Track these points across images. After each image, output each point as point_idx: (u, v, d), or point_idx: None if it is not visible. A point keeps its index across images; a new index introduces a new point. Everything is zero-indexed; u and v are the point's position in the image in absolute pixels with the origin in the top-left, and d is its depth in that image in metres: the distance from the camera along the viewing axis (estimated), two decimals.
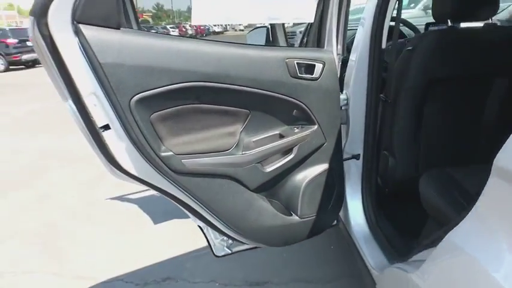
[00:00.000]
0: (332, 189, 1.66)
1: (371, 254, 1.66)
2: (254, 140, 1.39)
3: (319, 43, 1.46)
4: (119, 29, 1.06)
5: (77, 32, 1.00)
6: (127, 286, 2.21)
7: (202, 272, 2.27)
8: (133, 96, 1.09)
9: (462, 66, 1.70)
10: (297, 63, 1.35)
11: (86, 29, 1.00)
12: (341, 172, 1.66)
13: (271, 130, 1.43)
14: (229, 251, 1.69)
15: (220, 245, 1.68)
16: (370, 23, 1.66)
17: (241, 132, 1.36)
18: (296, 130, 1.45)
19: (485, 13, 1.64)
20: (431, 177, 1.54)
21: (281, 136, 1.43)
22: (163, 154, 1.19)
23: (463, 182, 1.43)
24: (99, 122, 1.11)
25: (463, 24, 1.68)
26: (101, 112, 1.10)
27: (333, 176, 1.60)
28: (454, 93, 1.76)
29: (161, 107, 1.16)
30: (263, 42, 2.17)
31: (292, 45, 4.33)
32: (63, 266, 2.43)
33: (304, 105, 1.40)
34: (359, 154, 1.80)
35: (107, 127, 1.12)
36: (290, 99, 1.36)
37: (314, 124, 1.46)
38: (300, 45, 3.88)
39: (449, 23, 1.66)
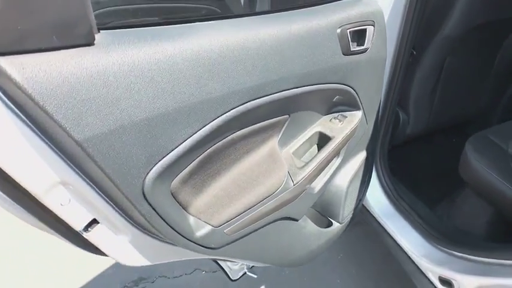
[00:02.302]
0: (367, 175, 1.37)
1: (406, 237, 1.46)
2: (300, 157, 1.01)
3: None
4: (92, 44, 0.51)
5: None
6: None
7: (181, 265, 1.91)
8: (147, 174, 0.61)
9: (501, 8, 1.40)
10: (350, 31, 0.91)
11: (13, 64, 0.45)
12: (374, 151, 1.36)
13: (309, 128, 1.02)
14: (246, 271, 1.35)
15: (237, 269, 1.32)
16: None
17: (287, 155, 0.94)
18: (338, 122, 1.06)
19: None
20: (479, 147, 1.33)
21: (323, 136, 1.03)
22: (198, 235, 0.75)
23: None
24: (79, 223, 0.64)
25: None
26: (81, 208, 0.63)
27: (370, 160, 1.29)
28: (480, 42, 1.49)
29: (184, 165, 0.69)
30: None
31: None
32: None
33: (351, 89, 1.01)
34: None
35: (92, 223, 0.67)
36: (338, 86, 0.95)
37: (359, 109, 1.08)
38: None
39: None
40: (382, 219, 1.53)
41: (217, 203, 0.77)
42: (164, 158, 0.60)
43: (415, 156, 1.96)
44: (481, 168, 1.30)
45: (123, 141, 0.54)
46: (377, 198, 1.55)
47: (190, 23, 0.65)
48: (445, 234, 1.36)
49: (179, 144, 0.62)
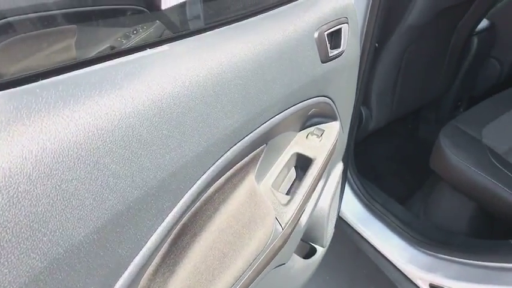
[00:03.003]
0: (343, 186, 1.24)
1: (386, 242, 1.36)
2: (279, 187, 0.84)
3: None
4: None
5: None
6: None
7: None
8: None
9: None
10: (327, 33, 0.77)
11: None
12: (348, 159, 1.24)
13: (285, 150, 0.88)
14: None
15: None
16: None
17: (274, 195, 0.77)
18: (316, 139, 0.92)
19: None
20: (453, 139, 1.28)
21: (302, 157, 0.89)
22: None
23: (489, 142, 1.27)
24: None
25: None
26: None
27: (346, 170, 1.17)
28: (436, 27, 1.41)
29: (153, 258, 0.51)
30: None
31: None
32: None
33: (329, 99, 0.87)
34: None
35: None
36: (317, 99, 0.82)
37: (335, 119, 0.95)
38: None
39: None
40: (358, 225, 1.42)
41: (198, 283, 0.58)
42: (129, 267, 0.40)
43: (375, 149, 1.90)
44: (459, 163, 1.23)
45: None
46: (349, 204, 1.44)
47: (127, 55, 0.44)
48: (427, 235, 1.28)
49: (146, 242, 0.42)
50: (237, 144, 0.54)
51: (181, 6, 0.64)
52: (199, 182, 0.47)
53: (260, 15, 0.68)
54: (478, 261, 1.12)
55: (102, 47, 0.54)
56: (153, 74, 0.42)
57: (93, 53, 0.51)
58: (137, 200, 0.39)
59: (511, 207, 1.12)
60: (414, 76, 1.57)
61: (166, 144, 0.41)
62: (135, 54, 0.44)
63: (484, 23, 1.72)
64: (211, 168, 0.49)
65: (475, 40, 1.70)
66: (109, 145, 0.36)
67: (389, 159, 1.88)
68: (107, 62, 0.41)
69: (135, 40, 0.57)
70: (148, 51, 0.46)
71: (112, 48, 0.55)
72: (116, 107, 0.37)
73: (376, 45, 1.33)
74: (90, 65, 0.40)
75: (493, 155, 1.23)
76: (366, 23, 1.12)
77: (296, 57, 0.68)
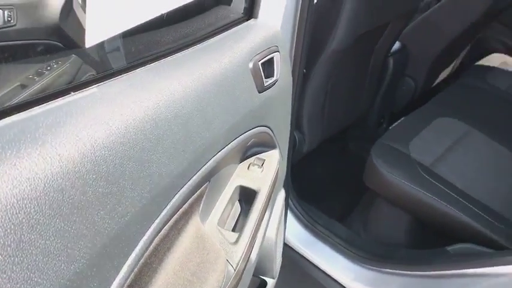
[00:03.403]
0: (286, 212, 1.23)
1: (331, 263, 1.37)
2: (225, 224, 0.80)
3: None
4: None
5: None
6: None
7: None
8: None
9: (378, 17, 1.41)
10: (261, 63, 0.77)
11: None
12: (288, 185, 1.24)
13: (228, 184, 0.85)
14: None
15: None
16: None
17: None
18: (258, 169, 0.91)
19: None
20: (384, 156, 1.34)
21: (245, 190, 0.86)
22: None
23: (416, 156, 1.35)
24: None
25: None
26: None
27: (287, 196, 1.17)
28: (358, 50, 1.49)
29: None
30: None
31: None
32: None
33: (268, 129, 0.87)
34: None
35: None
36: (256, 129, 0.81)
37: (274, 147, 0.95)
38: None
39: None
40: (303, 250, 1.42)
41: None
42: None
43: (310, 170, 1.93)
44: (393, 178, 1.28)
45: None
46: (293, 230, 1.43)
47: (48, 102, 0.38)
48: (370, 251, 1.31)
49: None
50: (183, 189, 0.50)
51: (106, 41, 0.59)
52: (144, 237, 0.42)
53: (193, 48, 0.66)
54: (419, 271, 1.16)
55: (11, 86, 0.48)
56: (82, 123, 0.36)
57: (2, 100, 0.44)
58: (75, 275, 0.33)
59: (443, 215, 1.19)
60: (340, 97, 1.63)
61: (105, 204, 0.36)
62: (58, 100, 0.39)
63: (396, 45, 1.86)
64: (157, 221, 0.44)
65: (391, 61, 1.82)
66: (35, 217, 0.30)
67: (325, 179, 1.92)
68: (23, 113, 0.35)
69: (50, 77, 0.51)
70: (74, 96, 0.41)
71: (23, 86, 0.48)
72: (39, 169, 0.31)
73: (304, 71, 1.36)
74: (1, 118, 0.34)
75: (422, 168, 1.31)
76: (294, 51, 1.14)
77: (234, 89, 0.65)
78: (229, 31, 0.77)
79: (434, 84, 2.33)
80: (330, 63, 1.39)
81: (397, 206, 1.34)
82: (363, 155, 1.46)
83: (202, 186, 0.67)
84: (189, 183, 0.52)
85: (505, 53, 2.36)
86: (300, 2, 1.00)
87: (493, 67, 2.13)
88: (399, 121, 1.57)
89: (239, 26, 0.81)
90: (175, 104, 0.48)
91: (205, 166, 0.57)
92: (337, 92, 1.58)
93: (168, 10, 0.62)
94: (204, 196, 0.71)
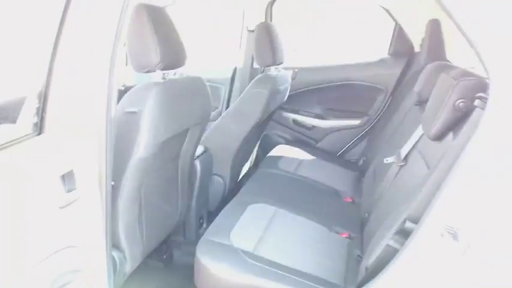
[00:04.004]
0: None
1: None
2: None
3: None
4: None
5: None
6: None
7: None
8: None
9: (179, 124, 1.51)
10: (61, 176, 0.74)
11: None
12: None
13: None
14: None
15: None
16: None
17: None
18: None
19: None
20: (210, 254, 1.36)
21: None
22: None
23: (239, 245, 1.41)
24: None
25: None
26: None
27: None
28: (164, 156, 1.54)
29: None
30: None
31: None
32: None
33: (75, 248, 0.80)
34: None
35: None
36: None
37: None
38: None
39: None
40: None
41: None
42: None
43: None
44: (222, 273, 1.29)
45: None
46: None
47: None
48: None
49: None
50: None
51: None
52: None
53: None
54: None
55: None
56: None
57: None
58: None
59: None
60: (156, 206, 1.61)
61: None
62: None
63: (200, 149, 2.01)
64: None
65: (198, 163, 1.94)
66: None
67: None
68: None
69: None
70: None
71: None
72: None
73: (113, 183, 1.30)
74: None
75: (246, 255, 1.35)
76: (99, 165, 1.09)
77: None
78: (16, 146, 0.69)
79: (240, 177, 2.57)
80: (139, 172, 1.37)
81: None
82: (188, 261, 1.43)
83: None
84: None
85: (286, 144, 2.83)
86: (98, 113, 0.99)
87: (281, 156, 2.52)
88: (217, 216, 1.63)
89: (28, 141, 0.74)
90: None
91: None
92: (152, 201, 1.56)
93: None
94: None
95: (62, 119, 0.83)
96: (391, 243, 1.11)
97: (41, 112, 0.78)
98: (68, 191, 0.71)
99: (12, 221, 0.55)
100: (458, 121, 1.17)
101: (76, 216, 0.73)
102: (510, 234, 0.80)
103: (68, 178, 0.73)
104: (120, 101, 1.33)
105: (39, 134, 0.78)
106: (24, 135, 0.74)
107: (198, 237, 1.57)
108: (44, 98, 0.78)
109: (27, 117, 0.79)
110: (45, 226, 0.61)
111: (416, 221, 1.00)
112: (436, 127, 1.25)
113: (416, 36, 2.61)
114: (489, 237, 0.81)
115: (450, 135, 1.21)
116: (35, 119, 0.78)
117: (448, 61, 2.07)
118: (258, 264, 1.32)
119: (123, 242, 1.43)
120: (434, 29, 2.15)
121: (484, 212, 0.81)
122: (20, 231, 0.53)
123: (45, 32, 0.81)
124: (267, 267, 1.31)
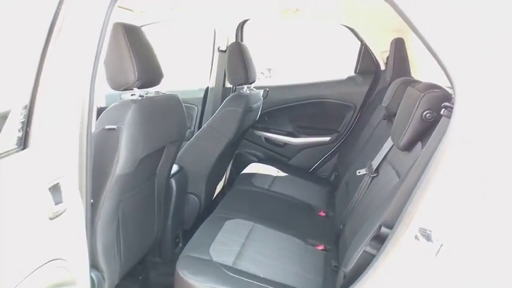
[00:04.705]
0: None
1: None
2: None
3: None
4: None
5: None
6: None
7: None
8: None
9: (156, 141, 1.52)
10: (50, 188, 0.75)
11: None
12: None
13: None
14: None
15: None
16: None
17: None
18: None
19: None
20: (191, 269, 1.35)
21: None
22: None
23: (218, 260, 1.43)
24: None
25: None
26: None
27: None
28: (141, 174, 1.54)
29: None
30: None
31: None
32: None
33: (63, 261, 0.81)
34: None
35: None
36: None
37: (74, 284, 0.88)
38: None
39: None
40: None
41: None
42: None
43: None
44: (202, 285, 1.29)
45: None
46: None
47: None
48: None
49: None
50: None
51: None
52: None
53: None
54: None
55: None
56: None
57: None
58: None
59: None
60: (133, 224, 1.59)
61: None
62: None
63: (175, 168, 2.01)
64: None
65: (173, 181, 1.94)
66: None
67: None
68: None
69: None
70: None
71: None
72: None
73: (92, 201, 1.29)
74: None
75: (226, 268, 1.36)
76: (79, 182, 1.08)
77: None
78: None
79: (215, 196, 2.58)
80: (117, 189, 1.37)
81: None
82: (166, 281, 1.42)
83: None
84: None
85: (258, 162, 2.88)
86: (78, 131, 0.99)
87: (255, 173, 2.55)
88: (196, 232, 1.63)
89: (12, 156, 0.74)
90: None
91: None
92: (130, 220, 1.54)
93: None
94: None
95: (46, 134, 0.84)
96: (368, 249, 1.15)
97: (26, 127, 0.78)
98: (56, 204, 0.71)
99: (2, 232, 0.55)
100: (425, 131, 1.24)
101: (63, 228, 0.73)
102: (477, 232, 0.86)
103: (54, 191, 0.73)
104: (98, 119, 1.33)
105: (24, 148, 0.78)
106: (10, 150, 0.74)
107: (175, 256, 1.56)
108: (28, 113, 0.79)
109: (11, 132, 0.79)
110: (36, 237, 0.61)
111: (391, 226, 1.05)
112: (405, 138, 1.32)
113: (381, 55, 2.76)
114: (459, 236, 0.87)
115: (419, 145, 1.29)
116: (20, 134, 0.78)
117: (412, 77, 2.19)
118: (239, 277, 1.33)
119: (102, 262, 1.40)
120: (398, 47, 2.28)
121: (454, 213, 0.87)
122: (11, 242, 0.53)
123: (30, 48, 0.82)
124: (248, 280, 1.33)
